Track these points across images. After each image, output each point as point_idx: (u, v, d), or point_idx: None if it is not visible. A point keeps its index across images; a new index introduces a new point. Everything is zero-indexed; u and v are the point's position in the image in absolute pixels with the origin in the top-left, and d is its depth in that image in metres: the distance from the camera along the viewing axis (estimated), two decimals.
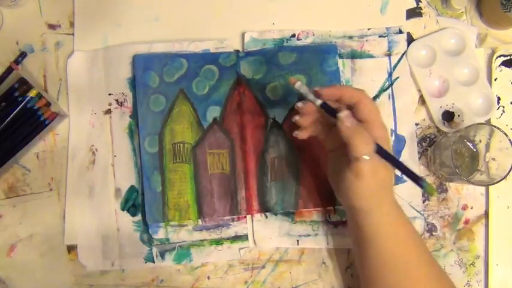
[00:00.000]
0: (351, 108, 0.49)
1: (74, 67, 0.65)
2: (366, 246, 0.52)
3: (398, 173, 0.64)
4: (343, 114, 0.47)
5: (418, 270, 0.53)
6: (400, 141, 0.64)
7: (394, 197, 0.53)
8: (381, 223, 0.51)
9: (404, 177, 0.62)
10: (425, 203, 0.64)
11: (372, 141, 0.47)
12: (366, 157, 0.46)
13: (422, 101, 0.66)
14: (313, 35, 0.66)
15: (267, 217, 0.63)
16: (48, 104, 0.63)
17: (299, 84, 0.50)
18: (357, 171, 0.47)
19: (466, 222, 0.65)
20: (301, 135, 0.54)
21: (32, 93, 0.62)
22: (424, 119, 0.66)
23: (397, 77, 0.66)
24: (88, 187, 0.63)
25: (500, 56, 0.66)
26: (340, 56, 0.66)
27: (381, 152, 0.47)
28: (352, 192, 0.49)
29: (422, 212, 0.63)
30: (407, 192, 0.64)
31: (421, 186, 0.48)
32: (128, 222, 0.63)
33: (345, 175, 0.48)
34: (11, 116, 0.61)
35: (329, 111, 0.49)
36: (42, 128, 0.63)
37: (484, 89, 0.65)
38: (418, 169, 0.64)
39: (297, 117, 0.53)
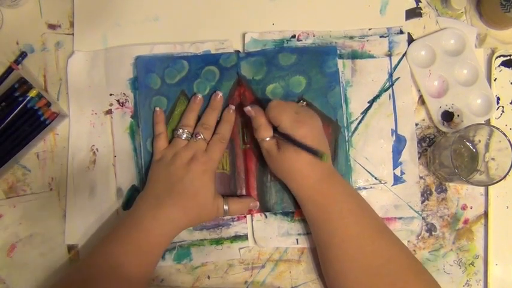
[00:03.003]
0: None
1: (74, 67, 0.65)
2: (303, 209, 0.59)
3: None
4: (246, 108, 0.59)
5: (346, 229, 0.56)
6: (400, 141, 0.65)
7: (308, 177, 0.57)
8: (304, 188, 0.57)
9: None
10: (425, 203, 0.65)
11: (270, 127, 0.58)
12: (267, 138, 0.58)
13: (422, 101, 0.66)
14: (314, 35, 0.66)
15: (266, 217, 0.63)
16: (48, 104, 0.63)
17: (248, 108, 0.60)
18: (265, 149, 0.59)
19: (466, 222, 0.65)
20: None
21: (32, 93, 0.62)
22: (424, 119, 0.66)
23: (398, 77, 0.66)
24: (89, 187, 0.64)
25: (499, 56, 0.66)
26: (341, 57, 0.66)
27: (279, 134, 0.57)
28: (272, 167, 0.60)
29: (420, 212, 0.64)
30: (406, 192, 0.64)
31: (316, 154, 0.55)
32: None
33: (264, 155, 0.60)
34: (11, 116, 0.61)
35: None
36: (42, 128, 0.63)
37: (484, 89, 0.65)
38: (418, 169, 0.64)
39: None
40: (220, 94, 0.63)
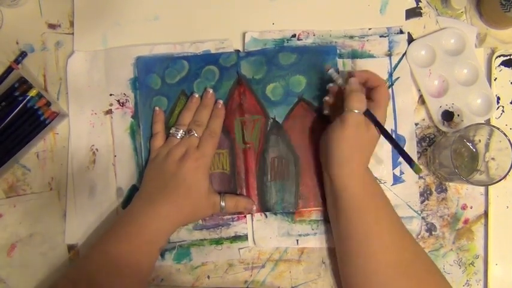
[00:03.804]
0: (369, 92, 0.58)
1: (74, 67, 0.65)
2: (337, 198, 0.57)
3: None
4: (352, 79, 0.56)
5: (381, 224, 0.55)
6: (400, 141, 0.64)
7: (367, 166, 0.58)
8: (352, 175, 0.55)
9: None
10: (425, 203, 0.65)
11: (365, 103, 0.55)
12: (356, 111, 0.54)
13: (422, 100, 0.66)
14: (314, 35, 0.66)
15: (266, 217, 0.63)
16: (48, 104, 0.63)
17: (332, 70, 0.59)
18: (345, 118, 0.54)
19: (466, 221, 0.65)
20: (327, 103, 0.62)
21: (32, 93, 0.62)
22: (424, 119, 0.66)
23: (398, 77, 0.66)
24: (89, 186, 0.64)
25: (499, 56, 0.66)
26: (341, 56, 0.66)
27: (370, 116, 0.55)
28: (333, 140, 0.55)
29: (419, 212, 0.64)
30: (405, 192, 0.64)
31: (410, 164, 0.54)
32: None
33: (333, 124, 0.56)
34: (11, 115, 0.61)
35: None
36: (42, 128, 0.63)
37: (484, 89, 0.65)
38: None
39: (326, 98, 0.62)
40: (211, 91, 0.63)
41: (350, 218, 0.56)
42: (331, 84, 0.60)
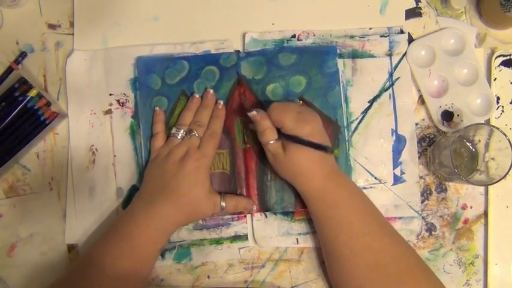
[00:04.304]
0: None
1: (73, 66, 0.65)
2: (308, 207, 0.60)
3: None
4: (251, 113, 0.58)
5: (352, 227, 0.56)
6: (400, 141, 0.65)
7: (315, 176, 0.57)
8: (308, 190, 0.58)
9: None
10: (425, 203, 0.65)
11: (274, 130, 0.58)
12: (272, 141, 0.57)
13: (421, 100, 0.66)
14: (314, 35, 0.66)
15: (266, 216, 0.63)
16: (48, 104, 0.63)
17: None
18: (271, 153, 0.58)
19: (466, 221, 0.65)
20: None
21: (32, 93, 0.62)
22: (424, 119, 0.66)
23: (398, 77, 0.66)
24: (88, 187, 0.64)
25: (499, 56, 0.66)
26: (341, 56, 0.66)
27: (284, 136, 0.57)
28: (278, 170, 0.59)
29: (419, 212, 0.64)
30: (405, 192, 0.64)
31: (325, 150, 0.56)
32: None
33: (268, 158, 0.59)
34: (11, 115, 0.61)
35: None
36: (42, 128, 0.63)
37: (484, 89, 0.65)
38: (418, 169, 0.64)
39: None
40: (211, 91, 0.63)
41: (318, 228, 0.59)
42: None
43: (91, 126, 0.65)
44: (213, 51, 0.65)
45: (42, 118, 0.62)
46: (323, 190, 0.57)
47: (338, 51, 0.65)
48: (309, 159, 0.56)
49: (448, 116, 0.65)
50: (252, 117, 0.58)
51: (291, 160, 0.56)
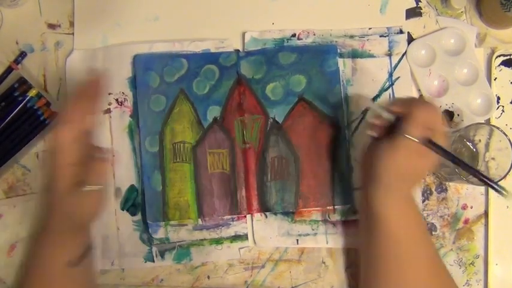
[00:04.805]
0: None
1: (73, 66, 0.65)
2: (372, 222, 0.54)
3: None
4: (414, 105, 0.49)
5: (420, 260, 0.53)
6: None
7: (412, 194, 0.55)
8: (393, 204, 0.52)
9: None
10: (425, 203, 0.65)
11: (425, 131, 0.49)
12: (414, 138, 0.49)
13: None
14: (314, 34, 0.66)
15: (266, 217, 0.63)
16: (48, 104, 0.63)
17: (372, 104, 0.54)
18: (398, 144, 0.49)
19: (466, 221, 0.65)
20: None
21: (32, 93, 0.62)
22: None
23: (398, 77, 0.66)
24: None
25: (499, 56, 0.66)
26: (341, 56, 0.66)
27: (432, 145, 0.49)
28: (380, 162, 0.51)
29: (421, 212, 0.64)
30: None
31: (498, 191, 0.50)
32: (127, 221, 0.63)
33: (384, 145, 0.51)
34: (11, 115, 0.61)
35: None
36: (42, 128, 0.63)
37: (484, 89, 0.65)
38: None
39: (370, 132, 0.55)
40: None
41: (384, 251, 0.54)
42: (373, 120, 0.54)
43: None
44: (212, 50, 0.65)
45: (41, 118, 0.62)
46: (411, 208, 0.54)
47: (338, 50, 0.65)
48: (415, 175, 0.52)
49: (448, 115, 0.65)
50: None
51: (419, 170, 0.51)
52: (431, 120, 0.49)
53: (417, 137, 0.49)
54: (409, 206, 0.54)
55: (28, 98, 0.62)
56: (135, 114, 0.64)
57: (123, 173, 0.64)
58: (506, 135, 0.57)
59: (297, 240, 0.63)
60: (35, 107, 0.62)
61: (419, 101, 0.51)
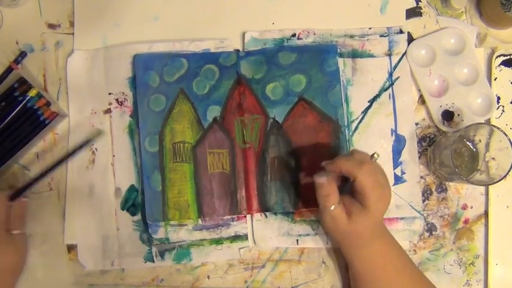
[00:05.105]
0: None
1: (74, 66, 0.65)
2: (349, 266, 0.60)
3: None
4: (320, 178, 0.55)
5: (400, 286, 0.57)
6: (400, 141, 0.65)
7: (369, 239, 0.56)
8: (356, 255, 0.57)
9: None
10: (425, 203, 0.64)
11: (337, 194, 0.55)
12: (332, 207, 0.54)
13: (422, 100, 0.66)
14: (314, 34, 0.66)
15: (266, 217, 0.63)
16: (48, 104, 0.62)
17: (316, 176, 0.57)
18: (322, 216, 0.56)
19: (466, 221, 0.65)
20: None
21: (32, 93, 0.62)
22: (424, 119, 0.66)
23: (398, 77, 0.66)
24: (88, 187, 0.63)
25: (500, 56, 0.66)
26: (341, 55, 0.66)
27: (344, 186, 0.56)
28: (333, 233, 0.57)
29: (421, 212, 0.64)
30: (407, 192, 0.64)
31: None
32: (127, 221, 0.63)
33: (324, 220, 0.57)
34: (11, 115, 0.61)
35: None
36: (42, 128, 0.63)
37: (484, 89, 0.65)
38: (418, 169, 0.64)
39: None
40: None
41: (360, 284, 0.58)
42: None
43: (91, 126, 0.65)
44: (212, 50, 0.65)
45: (41, 118, 0.62)
46: (375, 251, 0.56)
47: (338, 50, 0.65)
48: (374, 225, 0.55)
49: (448, 115, 0.65)
50: (318, 181, 0.55)
51: (356, 227, 0.54)
52: (364, 182, 0.53)
53: (335, 204, 0.54)
54: (370, 253, 0.56)
55: (28, 98, 0.61)
56: (135, 114, 0.64)
57: (123, 173, 0.64)
58: (506, 135, 0.57)
59: (297, 240, 0.63)
60: (35, 107, 0.62)
61: (354, 164, 0.54)
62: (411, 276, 0.58)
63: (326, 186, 0.55)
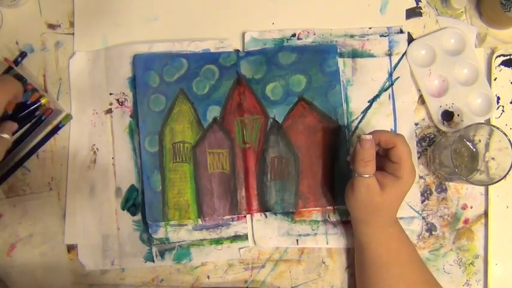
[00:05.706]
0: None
1: (76, 67, 0.65)
2: (360, 252, 0.59)
3: None
4: (366, 136, 0.54)
5: (406, 282, 0.56)
6: None
7: (393, 221, 0.58)
8: (373, 234, 0.57)
9: None
10: (425, 203, 0.65)
11: (373, 166, 0.54)
12: (366, 175, 0.54)
13: (421, 100, 0.66)
14: (314, 34, 0.66)
15: (266, 217, 0.63)
16: (41, 97, 0.62)
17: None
18: (354, 184, 0.55)
19: (466, 221, 0.65)
20: None
21: (44, 100, 0.61)
22: (424, 119, 0.66)
23: (398, 77, 0.66)
24: (89, 186, 0.64)
25: (499, 56, 0.66)
26: (341, 55, 0.66)
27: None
28: (348, 202, 0.57)
29: (420, 212, 0.64)
30: None
31: None
32: (127, 221, 0.63)
33: (347, 187, 0.57)
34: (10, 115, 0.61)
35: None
36: (38, 124, 0.63)
37: (484, 89, 0.65)
38: (418, 168, 0.64)
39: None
40: None
41: (373, 274, 0.57)
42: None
43: (93, 126, 0.65)
44: (212, 50, 0.65)
45: (42, 118, 0.62)
46: (393, 234, 0.57)
47: (338, 50, 0.65)
48: (401, 200, 0.55)
49: (448, 115, 0.65)
50: (363, 141, 0.54)
51: (388, 199, 0.54)
52: (399, 158, 0.54)
53: (367, 173, 0.54)
54: (389, 235, 0.57)
55: (28, 100, 0.61)
56: (135, 114, 0.64)
57: (124, 173, 0.64)
58: (506, 135, 0.57)
59: (297, 240, 0.63)
60: (28, 102, 0.61)
61: (400, 140, 0.55)
62: (420, 269, 0.58)
63: (369, 149, 0.54)
